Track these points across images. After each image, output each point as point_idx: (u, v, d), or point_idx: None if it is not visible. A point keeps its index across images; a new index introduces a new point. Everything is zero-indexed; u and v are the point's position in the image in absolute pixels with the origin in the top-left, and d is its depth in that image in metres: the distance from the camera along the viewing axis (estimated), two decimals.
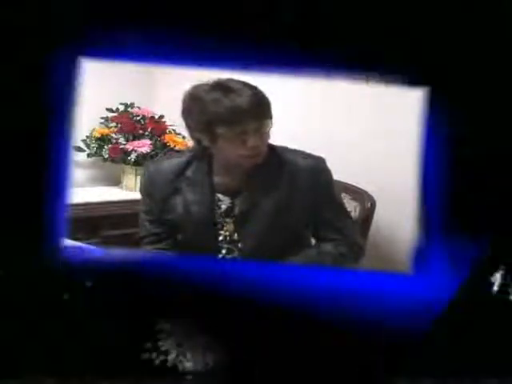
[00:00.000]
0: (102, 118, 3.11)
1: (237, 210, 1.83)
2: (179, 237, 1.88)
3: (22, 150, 1.42)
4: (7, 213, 1.42)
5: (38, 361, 1.39)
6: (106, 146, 3.04)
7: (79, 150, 2.98)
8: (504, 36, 1.42)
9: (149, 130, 3.09)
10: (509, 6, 1.41)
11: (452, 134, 1.43)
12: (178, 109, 1.78)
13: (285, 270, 1.66)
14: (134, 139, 3.05)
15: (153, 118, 3.14)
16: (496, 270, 1.41)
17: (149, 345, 1.42)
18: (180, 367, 1.43)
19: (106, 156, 3.04)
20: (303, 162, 1.81)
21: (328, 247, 1.84)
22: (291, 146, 1.88)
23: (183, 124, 1.81)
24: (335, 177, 1.88)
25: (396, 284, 1.50)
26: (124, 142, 3.03)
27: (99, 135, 3.05)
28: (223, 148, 1.74)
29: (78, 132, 1.60)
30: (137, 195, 2.02)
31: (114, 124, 3.09)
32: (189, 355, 1.43)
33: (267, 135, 1.76)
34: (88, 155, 3.06)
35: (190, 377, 1.42)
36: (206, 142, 1.77)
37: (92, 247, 1.92)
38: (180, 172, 1.85)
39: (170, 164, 1.89)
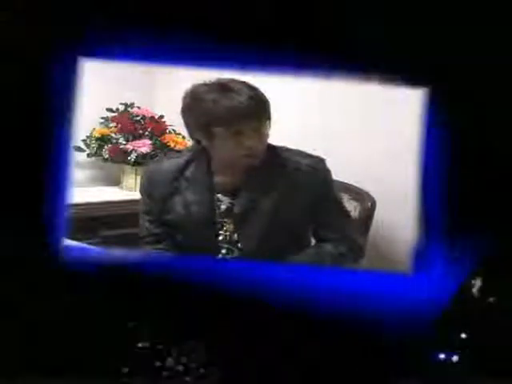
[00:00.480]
0: (102, 118, 3.10)
1: (236, 210, 1.82)
2: (179, 237, 1.88)
3: (22, 149, 1.42)
4: (7, 212, 1.42)
5: (38, 361, 1.39)
6: (106, 146, 3.03)
7: (79, 149, 2.97)
8: (504, 36, 1.42)
9: (149, 130, 3.08)
10: (509, 6, 1.41)
11: (452, 133, 1.43)
12: (178, 109, 1.78)
13: (285, 269, 1.66)
14: (133, 139, 3.04)
15: (153, 117, 3.14)
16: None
17: (148, 345, 1.42)
18: (179, 367, 1.43)
19: (106, 156, 3.04)
20: (303, 162, 1.81)
21: (328, 247, 1.84)
22: (291, 145, 1.88)
23: (183, 124, 1.81)
24: (335, 177, 1.87)
25: (396, 284, 1.50)
26: (124, 142, 3.03)
27: (99, 135, 3.04)
28: (221, 148, 1.74)
29: (78, 132, 1.60)
30: (137, 195, 2.02)
31: (113, 124, 3.09)
32: (188, 355, 1.43)
33: (266, 135, 1.76)
34: (88, 155, 3.05)
35: (189, 377, 1.42)
36: (204, 142, 1.77)
37: (92, 247, 1.92)
38: (180, 172, 1.85)
39: (169, 164, 1.88)
